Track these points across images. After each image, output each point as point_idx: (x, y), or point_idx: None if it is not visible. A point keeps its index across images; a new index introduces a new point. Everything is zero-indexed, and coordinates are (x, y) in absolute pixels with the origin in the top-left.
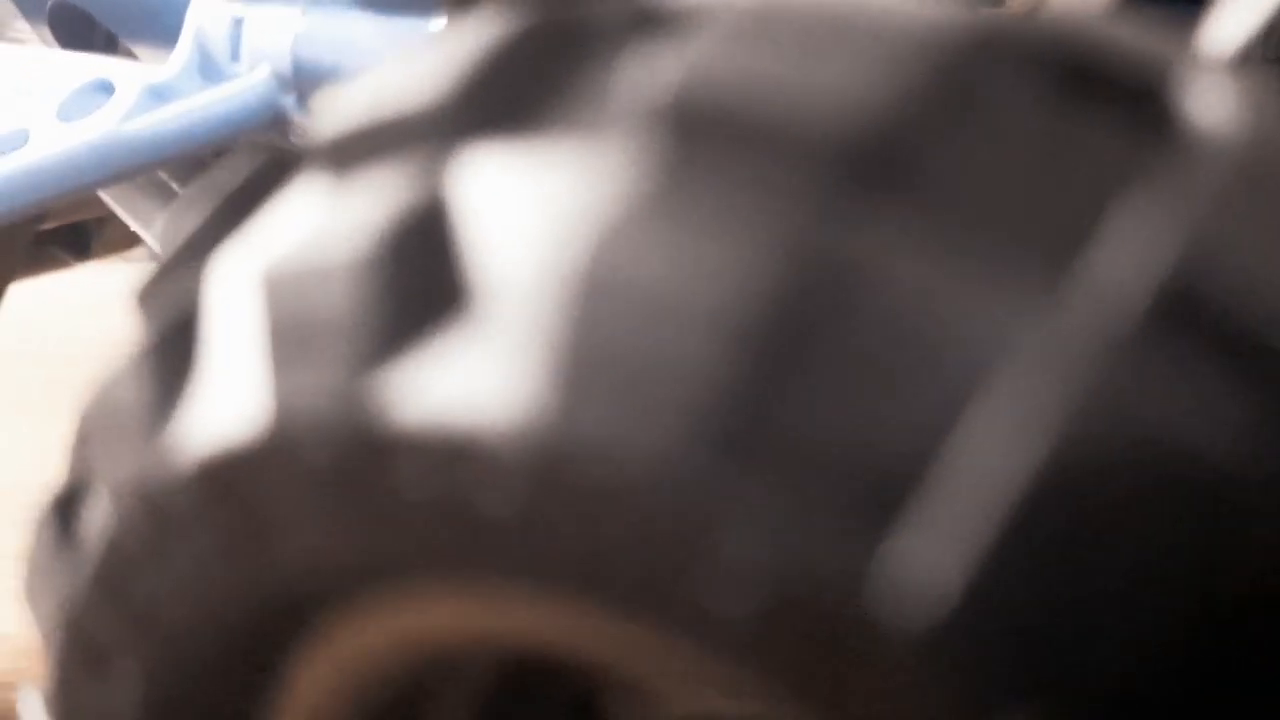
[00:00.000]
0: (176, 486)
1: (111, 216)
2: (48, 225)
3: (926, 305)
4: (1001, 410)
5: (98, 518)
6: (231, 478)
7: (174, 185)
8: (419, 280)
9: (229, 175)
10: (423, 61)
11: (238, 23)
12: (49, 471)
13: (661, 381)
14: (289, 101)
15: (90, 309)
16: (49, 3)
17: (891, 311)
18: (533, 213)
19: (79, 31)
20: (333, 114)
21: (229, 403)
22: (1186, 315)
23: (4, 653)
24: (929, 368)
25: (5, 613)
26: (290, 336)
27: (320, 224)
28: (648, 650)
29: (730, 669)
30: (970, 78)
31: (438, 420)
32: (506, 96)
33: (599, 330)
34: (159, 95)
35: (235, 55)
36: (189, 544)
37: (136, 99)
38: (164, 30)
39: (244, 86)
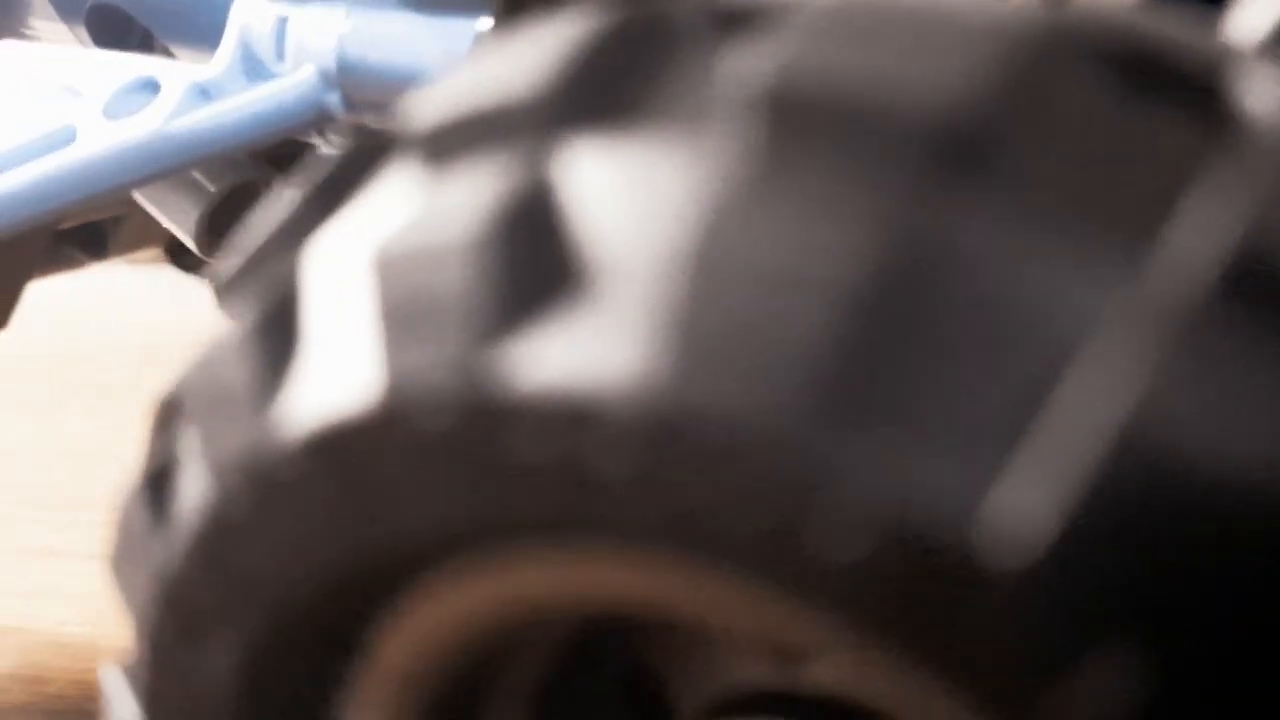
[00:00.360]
0: (284, 458)
1: (127, 216)
2: (66, 224)
3: (1020, 276)
4: (1093, 370)
5: (194, 493)
6: (340, 447)
7: (206, 182)
8: (532, 258)
9: (314, 168)
10: (514, 56)
11: (282, 22)
12: (56, 470)
13: (774, 345)
14: (333, 99)
15: (94, 308)
16: (87, 3)
17: (989, 281)
18: (641, 194)
19: (115, 32)
20: (427, 107)
21: (338, 377)
22: (1253, 287)
23: (15, 648)
24: (1027, 332)
25: (20, 609)
26: (403, 313)
27: (426, 208)
28: (753, 605)
29: (834, 618)
30: (1046, 70)
31: (557, 386)
32: (604, 87)
33: (711, 301)
34: (204, 93)
35: (280, 54)
36: (294, 514)
37: (182, 97)
38: (204, 31)
39: (289, 85)
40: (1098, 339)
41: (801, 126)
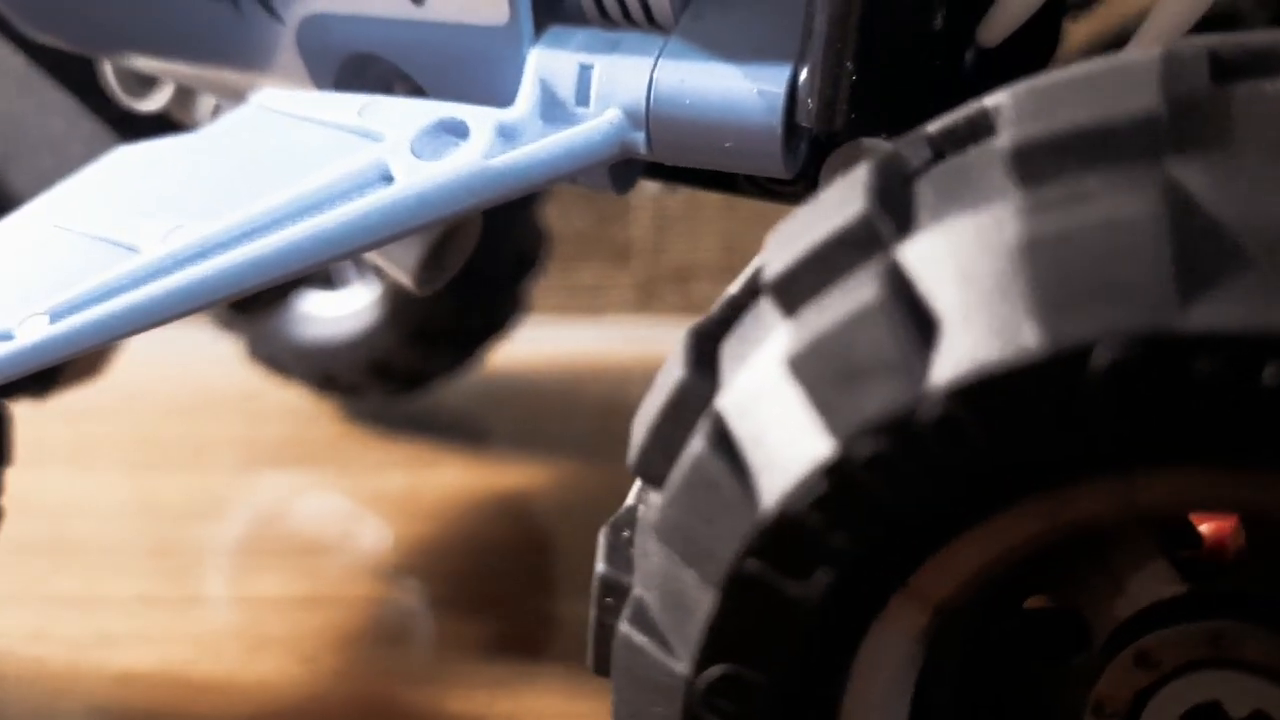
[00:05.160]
0: (937, 410)
1: None
2: None
3: None
4: None
5: (801, 452)
6: (997, 393)
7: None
8: (1195, 238)
9: (846, 184)
10: (1102, 90)
11: (585, 70)
12: (139, 522)
13: None
14: (638, 138)
15: (140, 364)
16: (342, 54)
17: None
18: (1265, 195)
19: (358, 78)
20: (1007, 133)
21: (993, 340)
22: None
23: (154, 686)
24: None
25: (146, 653)
26: (1065, 281)
27: (1053, 207)
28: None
29: None
30: None
31: (1238, 325)
32: (1193, 110)
33: None
34: (508, 135)
35: (581, 99)
36: (929, 459)
37: (491, 137)
38: (481, 88)
39: (597, 125)
40: None
41: None
